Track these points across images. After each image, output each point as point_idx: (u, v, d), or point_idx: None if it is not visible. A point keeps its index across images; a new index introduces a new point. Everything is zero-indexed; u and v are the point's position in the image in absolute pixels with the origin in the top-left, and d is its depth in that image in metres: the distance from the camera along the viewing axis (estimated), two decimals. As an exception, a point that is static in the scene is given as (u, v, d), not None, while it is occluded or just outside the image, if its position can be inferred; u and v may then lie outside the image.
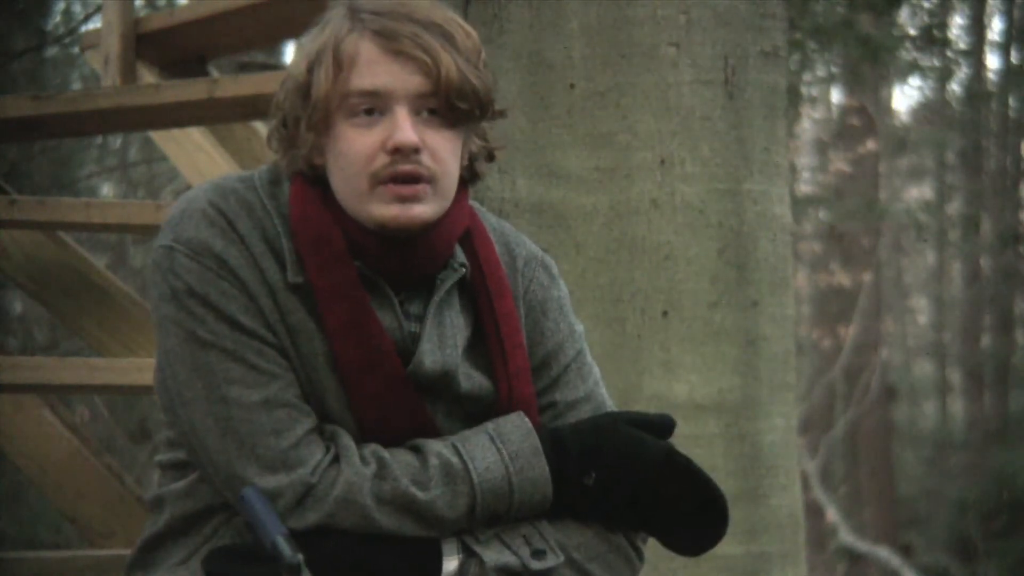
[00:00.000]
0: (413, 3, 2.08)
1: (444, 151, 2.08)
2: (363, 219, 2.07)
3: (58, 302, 4.37)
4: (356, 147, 2.06)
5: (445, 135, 2.08)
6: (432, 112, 2.07)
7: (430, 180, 2.06)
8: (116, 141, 11.38)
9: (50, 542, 8.87)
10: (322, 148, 2.10)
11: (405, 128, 2.04)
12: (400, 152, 2.04)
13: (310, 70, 2.07)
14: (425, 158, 2.06)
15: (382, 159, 2.05)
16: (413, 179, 2.06)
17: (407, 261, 2.09)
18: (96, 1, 8.47)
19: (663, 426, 2.17)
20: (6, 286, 7.94)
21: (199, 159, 4.46)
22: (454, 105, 2.06)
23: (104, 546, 4.12)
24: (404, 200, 2.05)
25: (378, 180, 2.05)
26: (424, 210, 2.07)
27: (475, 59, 2.08)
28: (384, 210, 2.06)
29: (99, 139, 10.88)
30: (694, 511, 2.15)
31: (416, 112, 2.06)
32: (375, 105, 2.06)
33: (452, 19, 2.09)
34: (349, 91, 2.06)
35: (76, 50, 9.13)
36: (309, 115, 2.08)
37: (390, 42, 2.05)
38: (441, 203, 2.09)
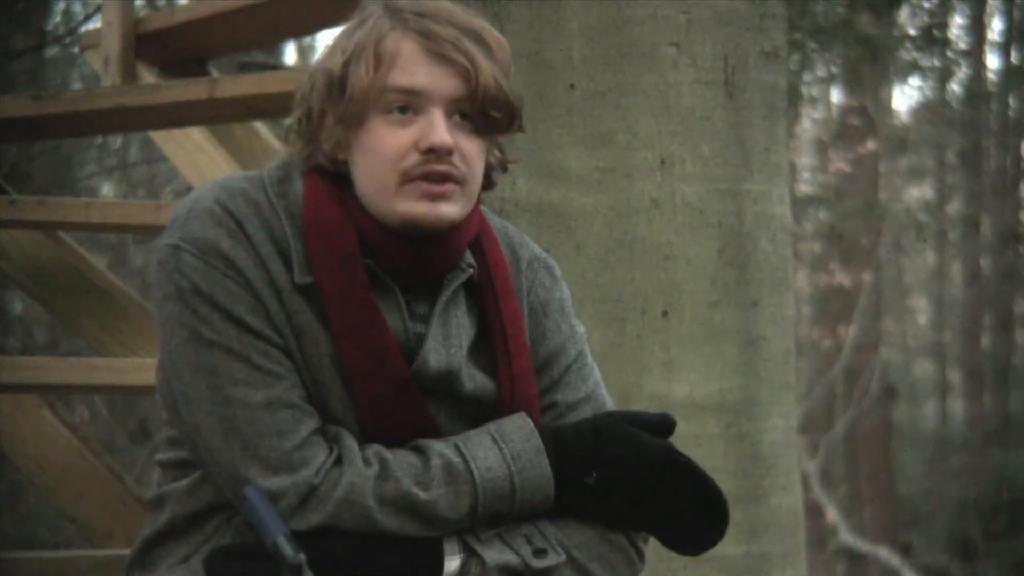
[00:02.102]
0: (452, 8, 2.10)
1: (473, 156, 2.09)
2: (387, 216, 2.07)
3: (58, 302, 4.38)
4: (388, 143, 2.06)
5: (475, 141, 2.09)
6: (464, 117, 2.08)
7: (460, 181, 2.07)
8: (116, 141, 11.38)
9: (50, 542, 8.86)
10: (349, 143, 2.10)
11: (440, 129, 2.05)
12: (434, 152, 2.05)
13: (347, 64, 2.07)
14: (457, 160, 2.07)
15: (413, 158, 2.06)
16: (443, 178, 2.06)
17: (421, 261, 2.10)
18: (96, 1, 8.47)
19: (663, 425, 2.17)
20: (6, 286, 7.94)
21: (199, 159, 4.46)
22: (487, 113, 2.07)
23: (104, 546, 4.12)
24: (434, 198, 2.06)
25: (408, 178, 2.06)
26: (452, 210, 2.07)
27: (508, 70, 2.10)
28: (413, 207, 2.06)
29: (99, 139, 10.87)
30: (694, 510, 2.15)
31: (450, 115, 2.07)
32: (411, 104, 2.06)
33: (488, 28, 2.10)
34: (387, 87, 2.06)
35: (76, 50, 9.12)
36: (342, 109, 2.08)
37: (432, 43, 2.06)
38: (467, 205, 2.10)
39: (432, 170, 2.06)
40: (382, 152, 2.07)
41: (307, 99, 2.11)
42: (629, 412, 2.19)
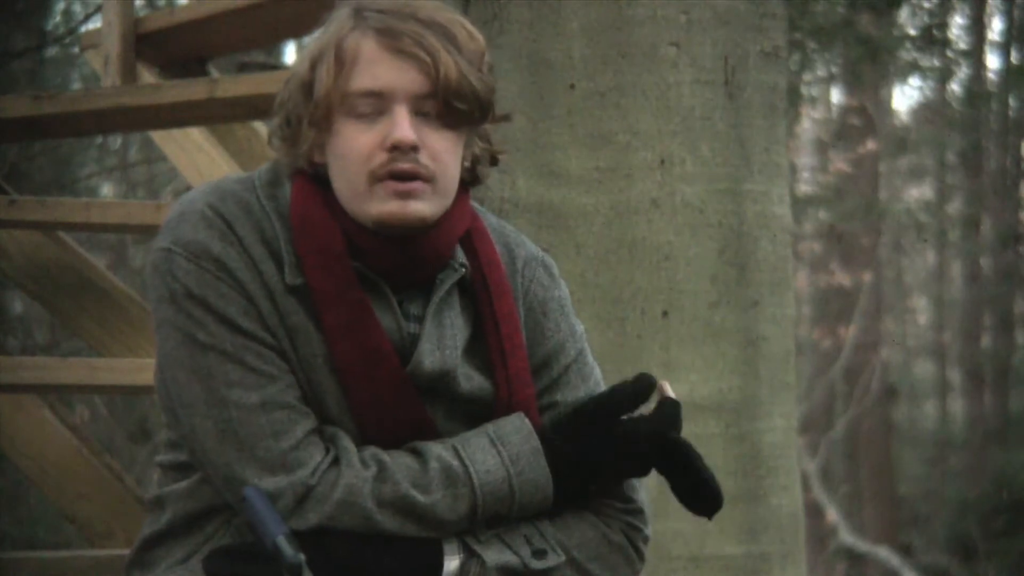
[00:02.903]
0: (418, 3, 2.09)
1: (443, 151, 2.08)
2: (362, 218, 2.07)
3: (58, 302, 4.37)
4: (356, 145, 2.06)
5: (444, 135, 2.08)
6: (431, 112, 2.07)
7: (428, 179, 2.06)
8: (116, 141, 11.38)
9: (50, 542, 8.86)
10: (323, 146, 2.10)
11: (403, 126, 2.05)
12: (398, 150, 2.05)
13: (313, 68, 2.08)
14: (423, 157, 2.06)
15: (381, 157, 2.05)
16: (411, 176, 2.06)
17: (407, 261, 2.09)
18: (96, 1, 8.47)
19: (639, 392, 2.15)
20: (6, 286, 7.94)
21: (199, 159, 4.46)
22: (452, 106, 2.06)
23: (104, 546, 4.12)
24: (402, 196, 2.05)
25: (376, 178, 2.05)
26: (422, 207, 2.07)
27: (477, 61, 2.08)
28: (382, 206, 2.06)
29: (99, 139, 10.87)
30: (687, 492, 2.16)
31: (415, 111, 2.06)
32: (375, 104, 2.06)
33: (456, 20, 2.09)
34: (349, 89, 2.06)
35: (76, 50, 9.12)
36: (311, 113, 2.08)
37: (391, 40, 2.05)
38: (440, 202, 2.09)
39: (397, 168, 2.05)
40: (350, 153, 2.06)
41: (284, 104, 2.12)
42: (612, 399, 2.16)
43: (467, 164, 2.14)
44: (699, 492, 2.15)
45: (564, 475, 2.11)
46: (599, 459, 2.11)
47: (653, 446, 2.12)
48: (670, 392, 2.16)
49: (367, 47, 2.06)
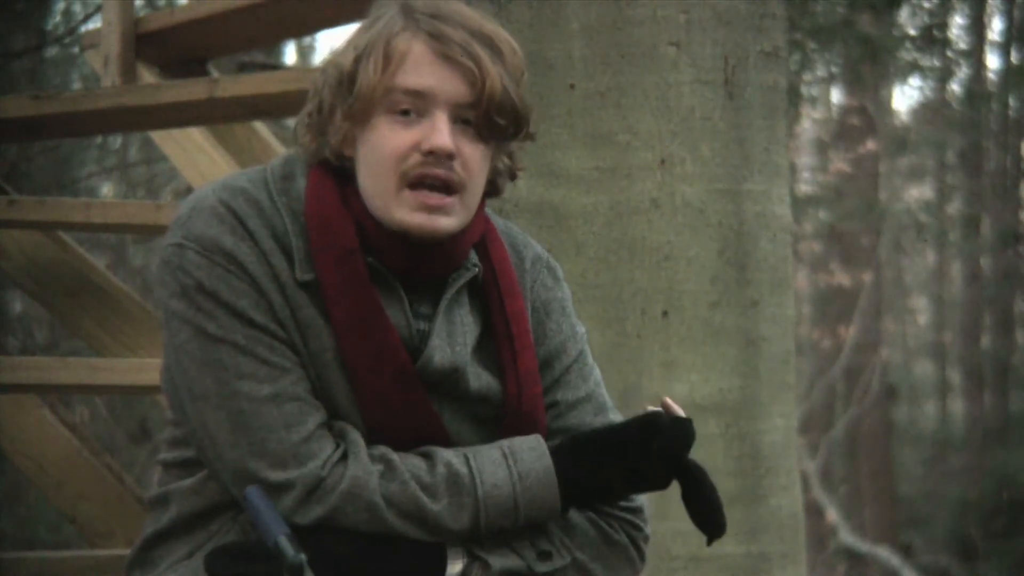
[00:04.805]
0: (466, 11, 2.10)
1: (475, 163, 2.09)
2: (385, 219, 2.08)
3: (58, 302, 4.37)
4: (391, 143, 2.06)
5: (478, 147, 2.09)
6: (470, 122, 2.07)
7: (459, 189, 2.07)
8: (116, 141, 11.37)
9: (50, 542, 8.86)
10: (355, 140, 2.10)
11: (443, 133, 2.05)
12: (434, 155, 2.05)
13: (357, 61, 2.08)
14: (457, 166, 2.06)
15: (414, 159, 2.06)
16: (443, 186, 2.06)
17: (422, 262, 2.10)
18: (96, 1, 8.46)
19: (656, 427, 2.15)
20: (6, 286, 7.94)
21: (199, 159, 4.45)
22: (492, 119, 2.07)
23: (104, 546, 4.12)
24: (432, 211, 2.06)
25: (407, 179, 2.06)
26: (449, 222, 2.08)
27: (518, 77, 2.10)
28: (409, 217, 2.06)
29: (99, 139, 10.87)
30: (694, 513, 2.16)
31: (455, 119, 2.07)
32: (416, 105, 2.06)
33: (502, 34, 2.11)
34: (394, 86, 2.06)
35: (76, 50, 9.12)
36: (350, 105, 2.08)
37: (442, 46, 2.06)
38: (466, 215, 2.10)
39: (431, 173, 2.06)
40: (384, 151, 2.07)
41: (319, 93, 2.12)
42: (628, 430, 2.16)
43: (489, 177, 2.15)
44: (703, 519, 2.14)
45: (573, 496, 2.11)
46: (610, 483, 2.11)
47: (666, 470, 2.12)
48: (677, 410, 2.15)
49: (417, 48, 2.07)
